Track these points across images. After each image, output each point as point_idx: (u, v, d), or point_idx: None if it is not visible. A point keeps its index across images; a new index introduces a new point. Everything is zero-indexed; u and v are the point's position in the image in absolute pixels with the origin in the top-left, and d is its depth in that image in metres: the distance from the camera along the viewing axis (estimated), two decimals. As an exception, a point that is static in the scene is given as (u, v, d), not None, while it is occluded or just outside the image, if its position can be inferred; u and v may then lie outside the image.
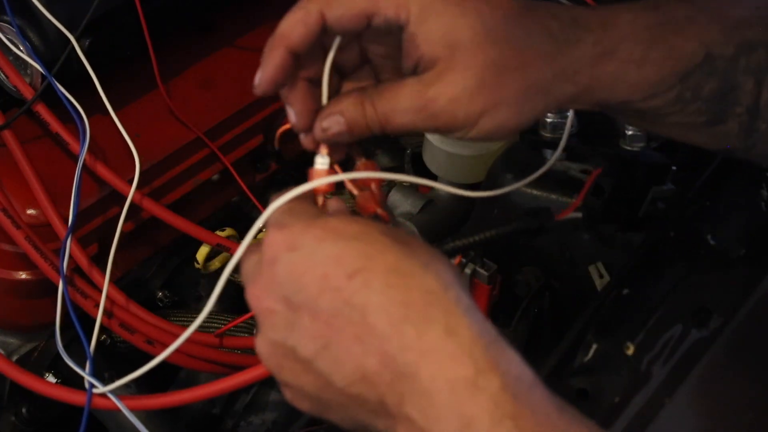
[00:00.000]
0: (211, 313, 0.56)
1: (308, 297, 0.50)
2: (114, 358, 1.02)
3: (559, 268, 0.89)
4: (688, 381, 0.66)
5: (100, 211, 0.94)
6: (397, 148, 1.22)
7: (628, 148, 0.84)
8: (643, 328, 0.71)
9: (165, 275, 1.09)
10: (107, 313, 0.89)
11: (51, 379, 1.00)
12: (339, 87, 0.62)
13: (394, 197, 1.13)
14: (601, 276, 0.86)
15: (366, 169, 0.59)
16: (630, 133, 0.85)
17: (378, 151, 1.24)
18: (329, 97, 0.59)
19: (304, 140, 0.60)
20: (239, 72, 1.06)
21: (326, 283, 0.50)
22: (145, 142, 0.94)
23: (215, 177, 1.04)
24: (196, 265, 1.02)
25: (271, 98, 1.04)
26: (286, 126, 0.61)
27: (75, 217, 0.87)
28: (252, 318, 0.86)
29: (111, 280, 0.89)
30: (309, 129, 0.59)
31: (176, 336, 0.90)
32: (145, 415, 1.00)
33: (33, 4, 0.88)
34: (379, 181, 0.59)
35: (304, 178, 0.59)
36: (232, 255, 0.99)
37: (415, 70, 0.58)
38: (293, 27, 0.57)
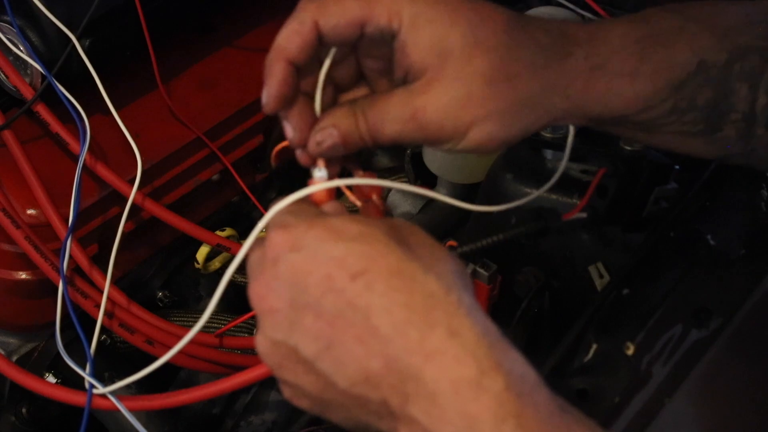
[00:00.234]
0: (211, 314, 0.56)
1: (311, 297, 0.50)
2: (114, 358, 1.02)
3: (559, 268, 0.89)
4: (688, 381, 0.66)
5: (100, 211, 0.94)
6: (397, 148, 1.22)
7: (629, 147, 0.84)
8: (643, 328, 0.71)
9: (165, 275, 1.09)
10: (107, 313, 0.89)
11: (51, 379, 1.00)
12: (336, 102, 0.62)
13: (394, 197, 1.13)
14: (601, 276, 0.86)
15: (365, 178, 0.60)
16: (630, 133, 0.85)
17: (378, 150, 1.24)
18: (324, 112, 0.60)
19: (301, 156, 0.60)
20: (239, 72, 1.06)
21: (329, 284, 0.50)
22: (145, 142, 0.94)
23: (215, 177, 1.04)
24: (196, 265, 1.03)
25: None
26: (284, 144, 0.61)
27: (76, 217, 0.87)
28: (252, 318, 0.87)
29: (111, 281, 0.89)
30: (306, 144, 0.59)
31: (176, 336, 0.91)
32: (145, 416, 1.00)
33: (33, 3, 0.88)
34: (380, 191, 0.60)
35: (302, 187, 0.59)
36: (232, 255, 1.00)
37: (406, 80, 0.58)
38: (289, 38, 0.57)
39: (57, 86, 0.89)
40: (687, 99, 0.60)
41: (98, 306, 0.88)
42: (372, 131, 0.58)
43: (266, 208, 0.55)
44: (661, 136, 0.63)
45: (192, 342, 0.58)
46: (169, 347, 0.90)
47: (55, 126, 0.90)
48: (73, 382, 0.95)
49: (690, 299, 0.71)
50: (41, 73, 0.90)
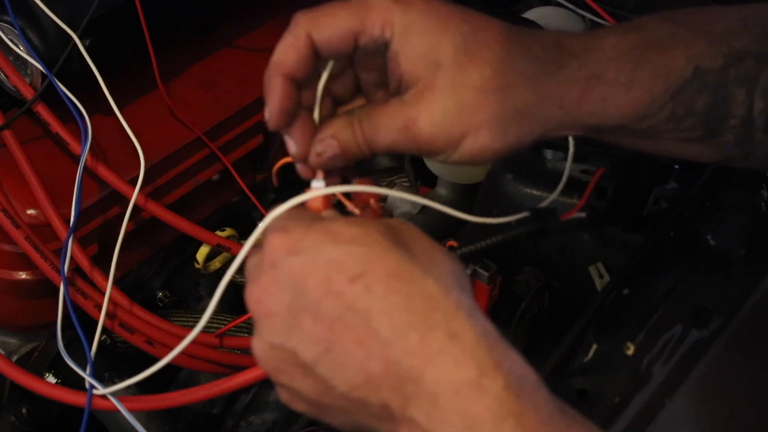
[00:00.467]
0: (211, 315, 0.56)
1: (310, 301, 0.50)
2: (114, 359, 1.02)
3: (559, 268, 0.89)
4: (688, 381, 0.66)
5: (100, 211, 0.94)
6: (397, 148, 1.22)
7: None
8: (643, 328, 0.71)
9: (165, 275, 1.09)
10: (108, 313, 0.89)
11: (51, 379, 1.00)
12: (335, 115, 0.62)
13: (394, 198, 1.13)
14: (601, 276, 0.86)
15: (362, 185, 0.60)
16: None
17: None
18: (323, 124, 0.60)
19: (302, 170, 0.60)
20: (239, 72, 1.06)
21: (328, 288, 0.50)
22: (145, 142, 0.94)
23: (215, 177, 1.04)
24: (196, 265, 1.03)
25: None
26: (285, 160, 0.61)
27: (76, 217, 0.87)
28: (252, 319, 0.86)
29: (113, 281, 0.89)
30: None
31: (176, 336, 0.91)
32: (145, 416, 1.00)
33: (34, 3, 0.88)
34: (378, 197, 0.60)
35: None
36: (232, 255, 1.00)
37: (399, 90, 0.58)
38: (285, 53, 0.57)
39: (58, 86, 0.89)
40: (684, 105, 0.60)
41: (98, 306, 0.88)
42: (368, 141, 0.58)
43: (266, 209, 0.55)
44: (660, 143, 0.62)
45: (192, 342, 0.58)
46: (169, 347, 0.90)
47: (56, 126, 0.90)
48: (73, 382, 0.95)
49: (690, 299, 0.71)
50: (41, 72, 0.90)
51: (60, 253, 0.86)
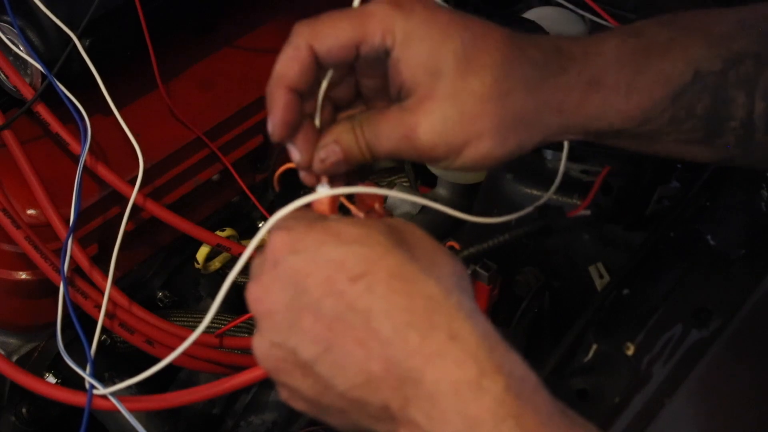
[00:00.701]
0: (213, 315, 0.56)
1: (310, 300, 0.50)
2: (114, 359, 1.02)
3: (559, 268, 0.89)
4: (688, 381, 0.66)
5: (100, 211, 0.94)
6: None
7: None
8: (643, 328, 0.71)
9: (165, 275, 1.09)
10: (108, 313, 0.89)
11: (51, 379, 1.00)
12: (335, 121, 0.62)
13: (394, 198, 1.13)
14: (601, 276, 0.86)
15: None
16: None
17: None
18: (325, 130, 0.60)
19: (305, 177, 0.60)
20: (239, 72, 1.06)
21: (329, 287, 0.50)
22: (145, 142, 0.94)
23: (215, 177, 1.04)
24: (196, 265, 1.03)
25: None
26: (286, 166, 0.61)
27: (76, 217, 0.87)
28: (252, 318, 0.86)
29: (112, 281, 0.89)
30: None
31: (176, 336, 0.91)
32: (145, 416, 1.00)
33: (34, 3, 0.88)
34: (382, 201, 0.60)
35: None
36: (232, 255, 1.00)
37: (399, 97, 0.58)
38: (287, 65, 0.57)
39: (58, 86, 0.89)
40: (685, 109, 0.60)
41: (98, 306, 0.88)
42: (370, 147, 0.58)
43: (266, 209, 0.55)
44: (660, 145, 0.62)
45: (192, 342, 0.58)
46: (169, 347, 0.90)
47: (55, 126, 0.90)
48: (73, 382, 0.95)
49: (690, 299, 0.71)
50: (41, 73, 0.90)
51: (60, 253, 0.86)
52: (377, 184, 0.61)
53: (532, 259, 0.89)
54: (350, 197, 0.59)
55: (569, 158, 0.89)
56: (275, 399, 1.06)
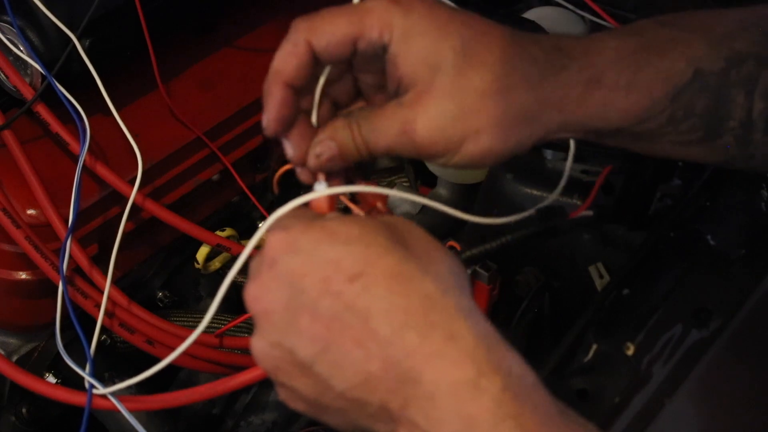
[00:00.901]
0: (212, 316, 0.56)
1: (308, 300, 0.50)
2: (114, 358, 1.02)
3: (559, 268, 0.89)
4: (688, 381, 0.66)
5: (100, 211, 0.94)
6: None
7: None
8: (643, 328, 0.71)
9: (165, 275, 1.09)
10: (107, 313, 0.89)
11: (51, 379, 1.00)
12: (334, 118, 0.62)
13: (394, 198, 1.13)
14: (601, 276, 0.86)
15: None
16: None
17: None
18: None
19: (302, 174, 0.60)
20: (239, 72, 1.06)
21: (327, 287, 0.50)
22: (145, 142, 0.94)
23: (215, 177, 1.04)
24: (196, 265, 1.03)
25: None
26: (285, 168, 0.61)
27: (75, 217, 0.87)
28: (252, 318, 0.87)
29: (111, 281, 0.89)
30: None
31: (176, 336, 0.91)
32: (145, 416, 1.00)
33: (33, 3, 0.88)
34: (385, 200, 0.60)
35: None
36: (232, 255, 1.00)
37: (398, 92, 0.58)
38: (285, 61, 0.57)
39: (57, 86, 0.89)
40: (684, 108, 0.60)
41: (98, 306, 0.88)
42: (366, 143, 0.58)
43: (266, 209, 0.55)
44: (659, 146, 0.62)
45: (192, 342, 0.58)
46: (169, 347, 0.90)
47: (55, 126, 0.90)
48: (73, 382, 0.95)
49: (690, 299, 0.71)
50: (41, 73, 0.90)
51: (60, 252, 0.86)
52: (378, 183, 0.61)
53: (532, 259, 0.89)
54: (353, 196, 0.59)
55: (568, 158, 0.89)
56: (275, 399, 1.06)
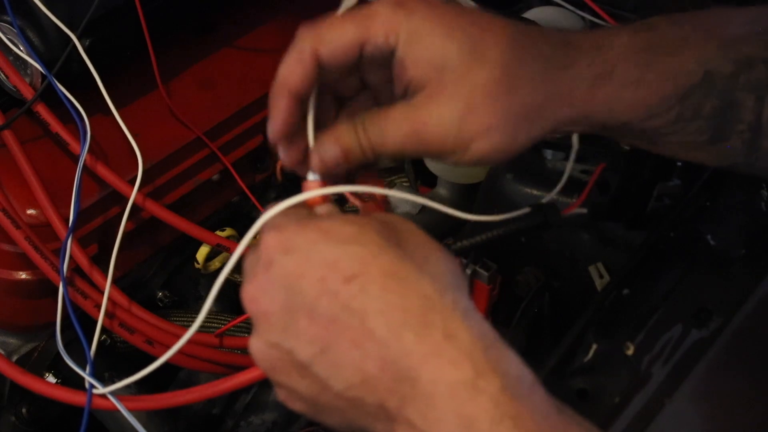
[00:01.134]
0: (210, 313, 0.56)
1: (305, 301, 0.50)
2: (114, 358, 1.02)
3: (559, 268, 0.89)
4: (688, 381, 0.66)
5: (100, 211, 0.94)
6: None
7: (628, 147, 0.84)
8: (643, 328, 0.71)
9: (165, 275, 1.09)
10: (107, 313, 0.89)
11: (51, 379, 1.00)
12: (337, 114, 0.62)
13: (394, 198, 1.13)
14: (601, 276, 0.86)
15: (366, 180, 0.59)
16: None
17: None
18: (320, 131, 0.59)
19: (299, 169, 0.60)
20: (239, 72, 1.06)
21: (323, 287, 0.49)
22: (145, 142, 0.94)
23: (215, 177, 1.04)
24: (196, 265, 1.03)
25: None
26: None
27: (76, 217, 0.87)
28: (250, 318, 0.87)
29: (111, 281, 0.89)
30: (301, 163, 0.59)
31: (176, 336, 0.91)
32: (145, 416, 1.00)
33: (33, 3, 0.88)
34: (382, 197, 0.60)
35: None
36: (232, 255, 1.00)
37: (406, 95, 0.58)
38: (291, 70, 0.57)
39: (57, 86, 0.89)
40: (692, 108, 0.60)
41: (98, 306, 0.88)
42: (373, 146, 0.58)
43: (266, 209, 0.55)
44: (666, 146, 0.62)
45: (192, 342, 0.58)
46: (169, 347, 0.90)
47: (55, 126, 0.90)
48: (73, 382, 0.95)
49: (690, 299, 0.71)
50: (41, 73, 0.90)
51: (60, 253, 0.86)
52: (377, 175, 0.61)
53: (532, 259, 0.89)
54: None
55: (569, 158, 0.89)
56: (275, 399, 1.06)
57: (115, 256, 0.89)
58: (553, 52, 0.58)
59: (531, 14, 1.05)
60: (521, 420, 0.46)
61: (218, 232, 0.98)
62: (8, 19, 0.90)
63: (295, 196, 0.56)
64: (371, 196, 0.59)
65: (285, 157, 0.59)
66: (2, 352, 0.96)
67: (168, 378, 1.07)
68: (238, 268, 0.55)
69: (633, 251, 0.81)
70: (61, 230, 0.88)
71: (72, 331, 0.84)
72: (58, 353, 0.84)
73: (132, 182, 0.91)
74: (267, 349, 0.52)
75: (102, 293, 0.88)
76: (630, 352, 0.69)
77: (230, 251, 0.98)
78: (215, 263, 1.03)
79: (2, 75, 0.92)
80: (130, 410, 0.78)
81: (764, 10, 0.63)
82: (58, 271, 0.86)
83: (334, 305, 0.49)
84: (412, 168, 1.17)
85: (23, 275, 0.93)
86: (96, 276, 0.89)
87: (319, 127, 0.59)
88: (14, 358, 0.98)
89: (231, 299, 1.07)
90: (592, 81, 0.58)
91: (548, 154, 0.89)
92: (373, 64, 0.59)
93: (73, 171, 0.89)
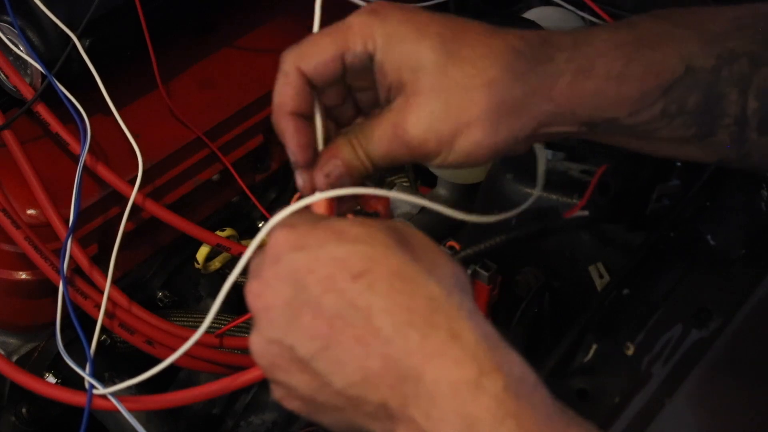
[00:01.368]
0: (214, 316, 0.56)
1: (310, 296, 0.50)
2: (114, 358, 1.02)
3: (559, 268, 0.89)
4: (688, 381, 0.67)
5: (100, 211, 0.94)
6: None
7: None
8: (643, 328, 0.71)
9: (165, 275, 1.09)
10: (107, 313, 0.89)
11: (51, 379, 1.00)
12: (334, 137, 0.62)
13: (394, 198, 1.13)
14: (601, 276, 0.86)
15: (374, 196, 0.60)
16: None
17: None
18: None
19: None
20: (239, 72, 1.06)
21: (330, 284, 0.50)
22: (145, 142, 0.94)
23: (215, 177, 1.04)
24: (196, 265, 1.02)
25: (271, 98, 1.05)
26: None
27: (76, 217, 0.87)
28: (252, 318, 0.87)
29: (111, 281, 0.89)
30: (309, 165, 0.60)
31: (176, 336, 0.91)
32: (145, 416, 1.00)
33: (34, 3, 0.88)
34: (387, 206, 0.60)
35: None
36: (232, 255, 1.00)
37: (389, 100, 0.59)
38: (282, 93, 0.58)
39: (57, 86, 0.89)
40: (676, 103, 0.60)
41: (98, 306, 0.88)
42: (368, 155, 0.59)
43: (266, 208, 0.55)
44: (656, 143, 0.62)
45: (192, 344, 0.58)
46: (169, 347, 0.90)
47: (55, 126, 0.90)
48: (73, 382, 0.95)
49: (690, 299, 0.71)
50: (41, 73, 0.90)
51: (60, 253, 0.86)
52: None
53: (532, 259, 0.89)
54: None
55: (569, 158, 0.89)
56: (275, 399, 1.06)
57: (115, 256, 0.89)
58: (528, 48, 0.58)
59: (531, 14, 1.05)
60: (523, 420, 0.46)
61: (218, 232, 0.98)
62: (8, 19, 0.90)
63: (300, 201, 0.56)
64: (378, 214, 0.60)
65: (301, 181, 0.60)
66: (2, 352, 0.96)
67: (168, 378, 1.07)
68: (243, 270, 0.55)
69: (633, 251, 0.81)
70: (61, 230, 0.88)
71: (72, 331, 0.84)
72: (58, 353, 0.84)
73: (132, 182, 0.91)
74: (267, 345, 0.52)
75: (102, 293, 0.88)
76: (630, 352, 0.69)
77: (230, 251, 0.98)
78: (215, 263, 1.03)
79: (2, 75, 0.92)
80: (130, 410, 0.78)
81: (746, 7, 0.63)
82: (58, 271, 0.86)
83: (340, 302, 0.49)
84: (411, 168, 1.17)
85: (23, 275, 0.93)
86: (96, 276, 0.89)
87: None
88: (14, 358, 0.98)
89: (232, 300, 1.07)
90: (573, 76, 0.58)
91: (548, 154, 0.89)
92: (360, 79, 0.60)
93: (73, 171, 0.89)
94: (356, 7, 0.60)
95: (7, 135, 0.91)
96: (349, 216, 0.59)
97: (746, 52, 0.60)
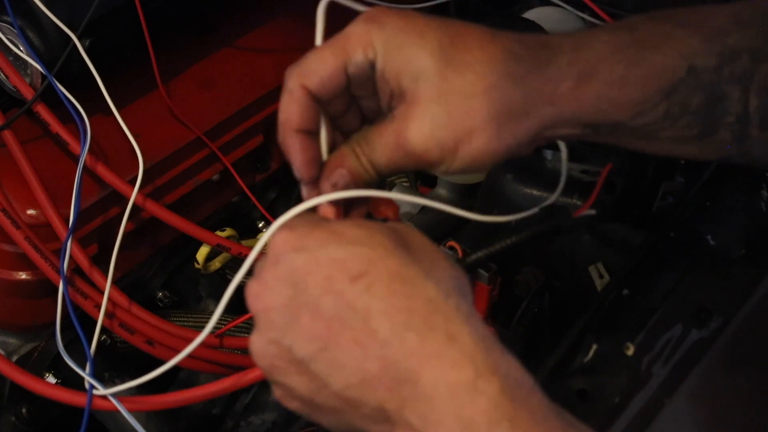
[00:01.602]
0: (211, 314, 0.56)
1: (310, 297, 0.50)
2: (114, 359, 1.02)
3: (559, 268, 0.89)
4: (688, 381, 0.67)
5: (100, 211, 0.94)
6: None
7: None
8: (643, 328, 0.71)
9: (165, 275, 1.09)
10: (107, 313, 0.89)
11: (51, 379, 1.00)
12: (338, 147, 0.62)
13: (394, 198, 1.13)
14: (601, 276, 0.86)
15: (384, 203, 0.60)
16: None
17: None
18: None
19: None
20: (239, 72, 1.06)
21: (329, 285, 0.50)
22: (145, 142, 0.94)
23: (215, 177, 1.04)
24: (196, 265, 1.02)
25: (271, 98, 1.05)
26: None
27: (76, 217, 0.87)
28: (252, 318, 0.87)
29: (111, 281, 0.89)
30: (314, 179, 0.60)
31: (176, 336, 0.91)
32: (145, 416, 1.00)
33: (34, 3, 0.88)
34: (396, 213, 0.60)
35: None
36: (232, 255, 1.00)
37: (391, 107, 0.58)
38: (287, 110, 0.58)
39: (57, 86, 0.89)
40: (679, 104, 0.60)
41: (98, 306, 0.88)
42: (372, 163, 0.59)
43: (266, 209, 0.56)
44: (658, 143, 0.62)
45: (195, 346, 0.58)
46: (169, 347, 0.90)
47: (55, 126, 0.90)
48: (73, 382, 0.95)
49: (690, 299, 0.71)
50: (41, 73, 0.90)
51: (60, 253, 0.86)
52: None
53: (532, 259, 0.89)
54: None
55: (570, 158, 0.89)
56: (275, 399, 1.06)
57: (115, 256, 0.89)
58: (529, 54, 0.58)
59: (531, 14, 1.05)
60: (519, 422, 0.47)
61: (218, 232, 0.98)
62: (8, 19, 0.90)
63: (303, 203, 0.56)
64: (387, 220, 0.60)
65: (306, 193, 0.60)
66: (2, 352, 0.96)
67: (168, 378, 1.07)
68: (237, 269, 0.55)
69: (633, 251, 0.81)
70: (61, 230, 0.88)
71: (72, 331, 0.84)
72: (58, 353, 0.84)
73: (132, 182, 0.91)
74: (266, 346, 0.52)
75: (102, 293, 0.88)
76: (630, 352, 0.69)
77: (230, 251, 0.98)
78: (215, 263, 1.03)
79: (2, 75, 0.92)
80: (130, 411, 0.78)
81: (745, 4, 0.63)
82: (58, 271, 0.86)
83: (339, 304, 0.49)
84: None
85: (23, 275, 0.93)
86: (96, 276, 0.89)
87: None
88: (14, 358, 0.98)
89: (232, 300, 1.07)
90: (576, 80, 0.58)
91: (548, 154, 0.89)
92: (364, 89, 0.59)
93: (73, 171, 0.88)
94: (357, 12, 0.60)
95: (7, 135, 0.91)
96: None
97: (746, 48, 0.60)
